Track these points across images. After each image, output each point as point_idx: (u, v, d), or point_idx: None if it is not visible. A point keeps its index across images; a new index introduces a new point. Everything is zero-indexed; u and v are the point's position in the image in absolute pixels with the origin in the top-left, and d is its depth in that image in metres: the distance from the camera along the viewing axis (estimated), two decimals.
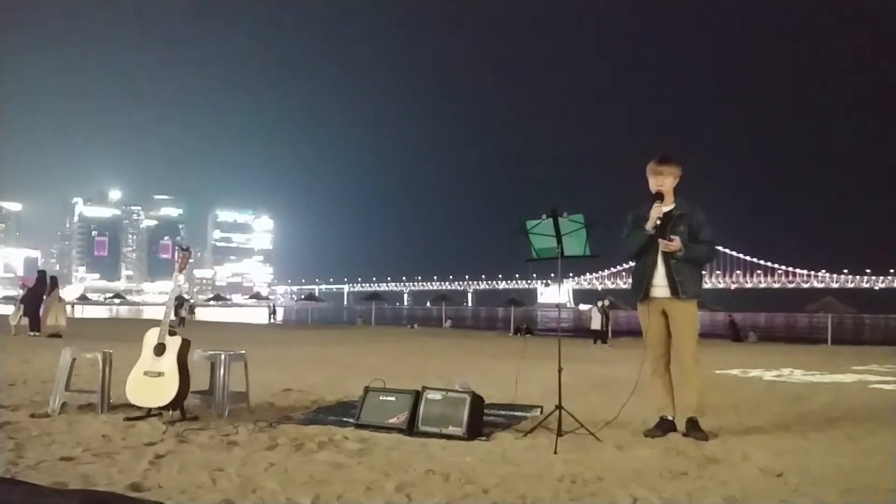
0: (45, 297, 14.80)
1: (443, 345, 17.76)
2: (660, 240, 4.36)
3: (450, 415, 4.24)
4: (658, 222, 4.38)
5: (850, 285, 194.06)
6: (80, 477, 3.09)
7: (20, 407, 4.91)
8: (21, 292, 15.76)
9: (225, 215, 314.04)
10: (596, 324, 21.67)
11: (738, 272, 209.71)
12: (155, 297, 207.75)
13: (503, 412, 5.16)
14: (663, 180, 4.46)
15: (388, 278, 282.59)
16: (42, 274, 15.70)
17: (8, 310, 18.55)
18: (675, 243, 4.31)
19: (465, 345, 18.39)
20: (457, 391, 4.42)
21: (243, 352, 5.30)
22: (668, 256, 4.39)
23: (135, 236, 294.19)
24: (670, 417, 4.43)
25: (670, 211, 4.45)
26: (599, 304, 22.34)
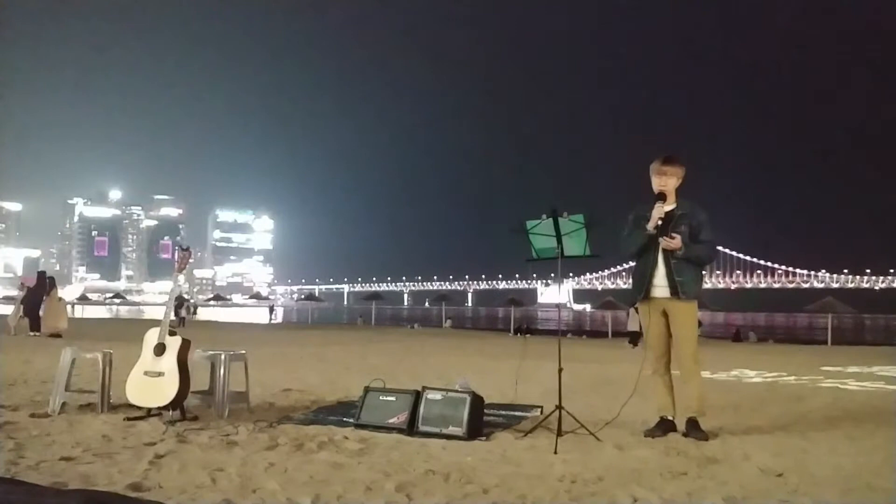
0: (44, 297, 14.81)
1: (443, 345, 17.75)
2: (660, 238, 4.37)
3: (450, 415, 4.24)
4: (659, 222, 4.39)
5: (850, 285, 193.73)
6: (80, 477, 3.09)
7: (20, 407, 4.91)
8: (21, 293, 15.71)
9: (225, 215, 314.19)
10: (634, 325, 21.74)
11: (738, 272, 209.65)
12: (155, 297, 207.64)
13: (503, 412, 5.16)
14: (667, 181, 4.47)
15: (388, 278, 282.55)
16: (42, 274, 15.71)
17: (8, 310, 18.53)
18: (676, 241, 4.32)
19: (465, 345, 18.38)
20: (457, 391, 4.42)
21: (243, 352, 5.30)
22: (668, 256, 4.39)
23: (135, 236, 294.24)
24: (670, 417, 4.43)
25: (672, 211, 4.46)
26: (635, 306, 22.36)
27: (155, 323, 4.71)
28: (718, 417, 4.86)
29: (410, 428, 4.28)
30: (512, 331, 30.86)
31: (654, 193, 4.47)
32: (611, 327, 29.04)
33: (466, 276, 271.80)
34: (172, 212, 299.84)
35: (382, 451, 3.80)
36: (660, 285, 4.43)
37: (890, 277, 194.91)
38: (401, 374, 8.35)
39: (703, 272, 4.62)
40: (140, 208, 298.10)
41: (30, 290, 15.25)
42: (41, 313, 14.71)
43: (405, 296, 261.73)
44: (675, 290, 4.37)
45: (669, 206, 4.46)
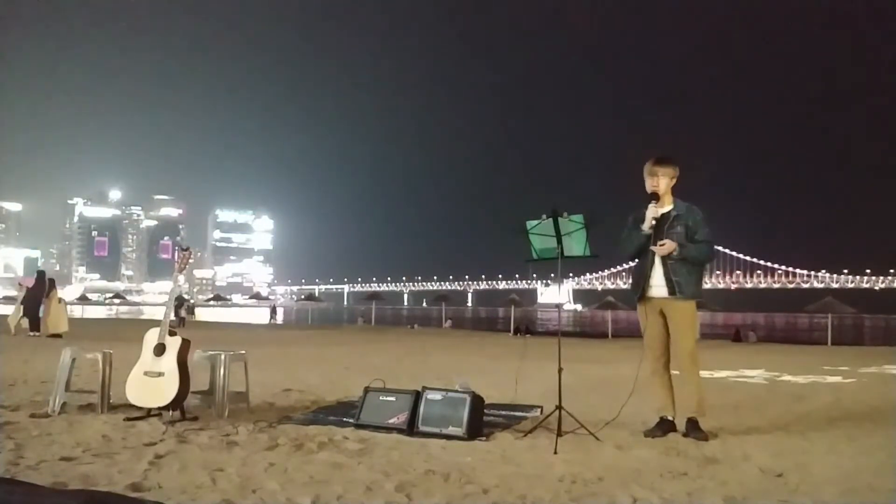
0: (44, 298, 14.79)
1: (443, 345, 17.75)
2: (651, 248, 4.39)
3: (450, 415, 4.24)
4: (654, 223, 4.40)
5: (850, 285, 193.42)
6: (80, 477, 3.09)
7: (20, 407, 4.91)
8: (21, 293, 15.68)
9: (225, 215, 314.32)
10: None
11: (738, 272, 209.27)
12: (155, 298, 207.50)
13: (503, 412, 5.16)
14: (658, 181, 4.48)
15: (388, 278, 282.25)
16: (41, 274, 15.69)
17: (8, 310, 18.52)
18: (666, 246, 4.33)
19: (465, 345, 18.38)
20: (457, 391, 4.42)
21: (243, 352, 5.30)
22: (665, 256, 4.39)
23: (135, 236, 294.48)
24: (670, 418, 4.43)
25: (667, 212, 4.47)
26: None
27: (155, 323, 4.71)
28: (718, 417, 4.86)
29: (410, 428, 4.28)
30: (512, 331, 30.85)
31: (647, 194, 4.48)
32: (610, 328, 29.04)
33: (466, 276, 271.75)
34: (172, 212, 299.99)
35: (382, 451, 3.80)
36: (657, 285, 4.44)
37: (890, 277, 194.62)
38: (401, 374, 8.35)
39: (703, 272, 4.62)
40: (140, 208, 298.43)
41: (29, 291, 15.23)
42: (41, 314, 14.68)
43: (405, 296, 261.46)
44: (672, 290, 4.37)
45: (665, 208, 4.47)
